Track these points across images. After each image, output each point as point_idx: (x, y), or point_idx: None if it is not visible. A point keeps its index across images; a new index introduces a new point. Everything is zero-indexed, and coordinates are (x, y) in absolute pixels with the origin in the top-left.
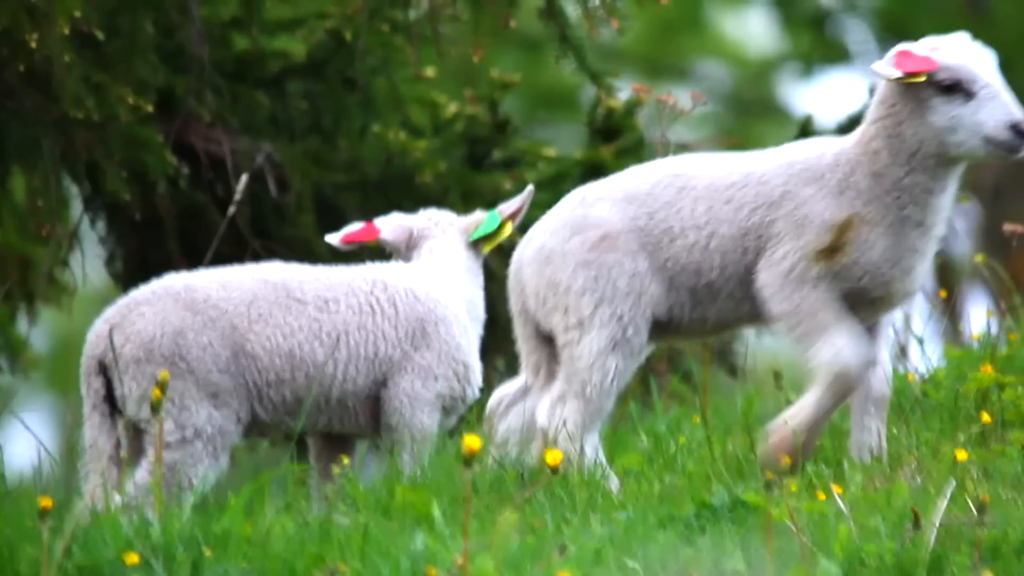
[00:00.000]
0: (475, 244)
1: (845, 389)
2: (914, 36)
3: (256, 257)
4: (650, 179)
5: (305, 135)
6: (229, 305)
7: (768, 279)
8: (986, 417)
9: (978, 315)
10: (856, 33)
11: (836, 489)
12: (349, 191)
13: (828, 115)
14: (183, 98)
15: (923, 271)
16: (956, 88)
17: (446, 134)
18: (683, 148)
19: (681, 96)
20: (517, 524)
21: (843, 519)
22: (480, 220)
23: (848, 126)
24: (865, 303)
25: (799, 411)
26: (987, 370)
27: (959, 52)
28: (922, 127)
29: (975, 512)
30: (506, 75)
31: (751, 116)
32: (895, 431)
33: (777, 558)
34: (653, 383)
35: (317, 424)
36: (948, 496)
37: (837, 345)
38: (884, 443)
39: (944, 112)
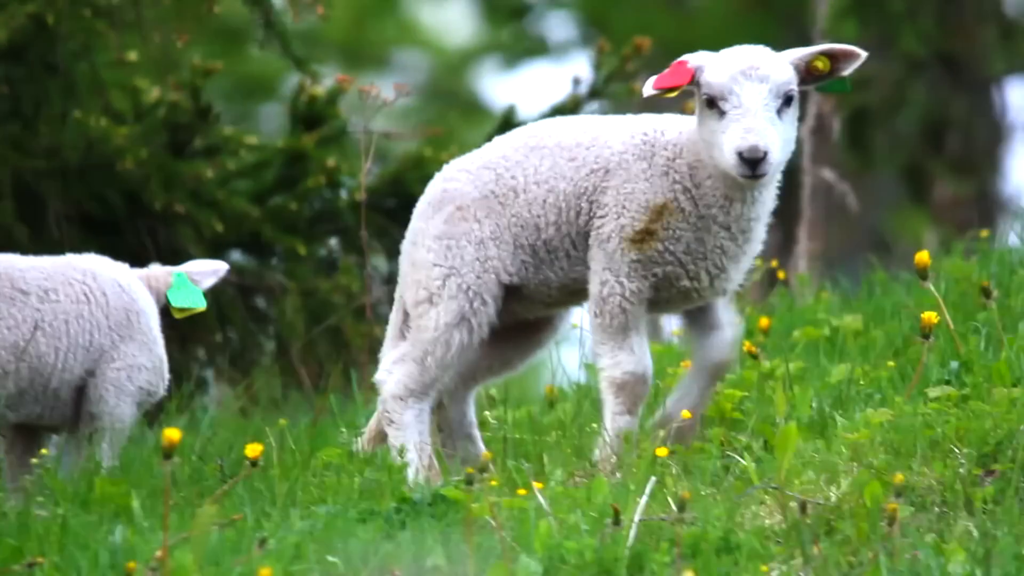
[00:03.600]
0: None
1: (631, 398)
2: (615, 29)
3: None
4: (508, 144)
5: (5, 120)
6: None
7: (595, 254)
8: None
9: (656, 315)
10: (557, 25)
11: (537, 485)
12: (49, 177)
13: (530, 107)
14: None
15: (737, 273)
16: (713, 104)
17: (148, 120)
18: (386, 137)
19: (382, 86)
20: (216, 517)
21: (544, 515)
22: (160, 276)
23: (551, 117)
24: (676, 294)
25: (606, 423)
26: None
27: (722, 67)
28: (699, 136)
29: (675, 509)
30: (208, 62)
31: (451, 107)
32: (595, 426)
33: (478, 554)
34: (354, 375)
35: (30, 416)
36: (648, 493)
37: (618, 357)
38: (705, 407)
39: (707, 126)
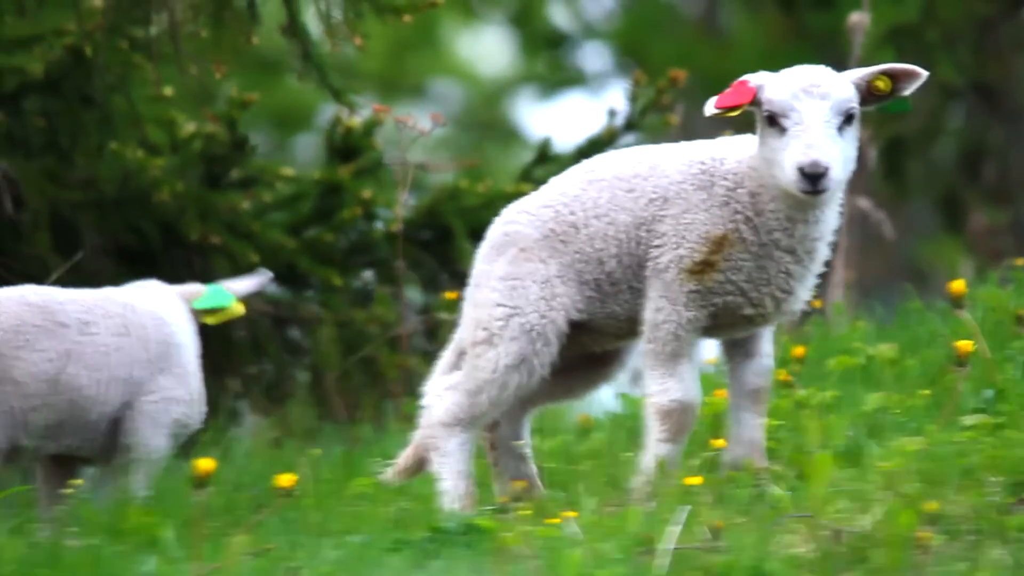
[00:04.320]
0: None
1: (676, 427)
2: (651, 60)
3: None
4: (565, 181)
5: (42, 152)
6: None
7: (652, 283)
8: (719, 442)
9: (712, 340)
10: (593, 56)
11: (570, 513)
12: (86, 209)
13: (566, 138)
14: None
15: (804, 293)
16: (774, 121)
17: (184, 152)
18: (422, 168)
19: (418, 116)
20: (249, 547)
21: (576, 544)
22: (198, 291)
23: (587, 149)
24: (740, 319)
25: (648, 450)
26: (720, 395)
27: (784, 85)
28: (760, 156)
29: (708, 537)
30: (244, 94)
31: (487, 137)
32: (630, 454)
33: None
34: (388, 406)
35: (68, 447)
36: (681, 521)
37: (666, 384)
38: (760, 435)
39: (768, 144)
